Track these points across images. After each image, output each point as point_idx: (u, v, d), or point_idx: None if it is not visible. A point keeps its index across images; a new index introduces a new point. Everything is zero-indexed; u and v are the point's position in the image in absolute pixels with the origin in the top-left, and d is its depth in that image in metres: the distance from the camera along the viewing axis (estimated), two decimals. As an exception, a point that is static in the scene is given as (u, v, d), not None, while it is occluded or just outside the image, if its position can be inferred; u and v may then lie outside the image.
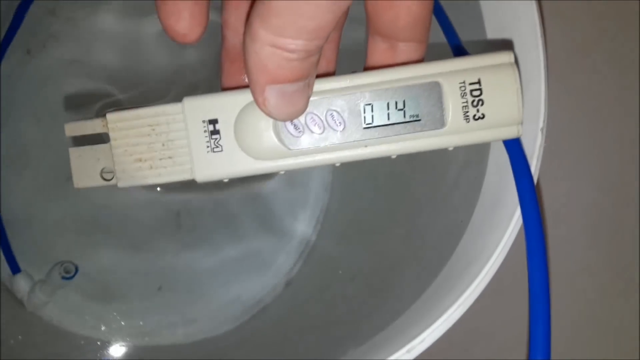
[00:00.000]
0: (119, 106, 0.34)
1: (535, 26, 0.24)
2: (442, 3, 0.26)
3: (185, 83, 0.35)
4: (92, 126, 0.19)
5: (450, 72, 0.18)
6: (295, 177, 0.38)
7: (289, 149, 0.18)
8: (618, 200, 0.34)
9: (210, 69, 0.34)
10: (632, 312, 0.34)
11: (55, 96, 0.34)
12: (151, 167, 0.18)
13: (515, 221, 0.23)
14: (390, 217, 0.34)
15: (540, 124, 0.23)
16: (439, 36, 0.24)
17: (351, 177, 0.37)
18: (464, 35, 0.25)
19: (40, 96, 0.34)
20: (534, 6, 0.24)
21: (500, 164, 0.25)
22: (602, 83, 0.34)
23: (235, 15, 0.19)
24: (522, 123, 0.18)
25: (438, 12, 0.26)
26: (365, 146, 0.18)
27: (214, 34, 0.19)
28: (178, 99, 0.18)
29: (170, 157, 0.18)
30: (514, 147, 0.22)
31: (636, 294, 0.34)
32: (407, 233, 0.32)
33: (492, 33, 0.26)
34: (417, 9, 0.18)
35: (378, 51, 0.19)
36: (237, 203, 0.37)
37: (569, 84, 0.33)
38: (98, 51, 0.35)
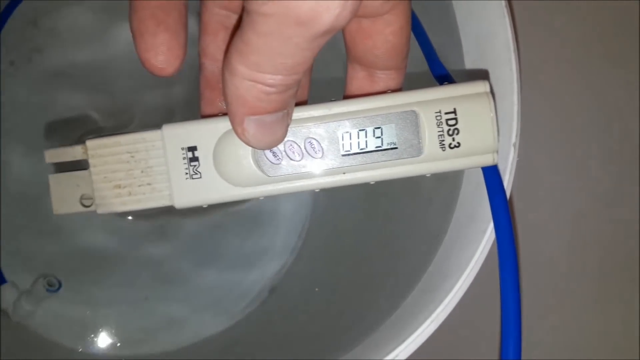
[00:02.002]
0: (99, 127, 0.35)
1: (509, 42, 0.24)
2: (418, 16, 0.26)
3: (164, 108, 0.35)
4: (72, 153, 0.19)
5: (426, 102, 0.18)
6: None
7: (268, 175, 0.18)
8: (591, 212, 0.34)
9: (188, 95, 0.35)
10: (603, 318, 0.34)
11: (39, 109, 0.34)
12: (130, 194, 0.19)
13: (488, 235, 0.23)
14: (368, 230, 0.34)
15: (513, 140, 0.24)
16: (417, 65, 0.24)
17: (335, 189, 0.38)
18: (441, 52, 0.26)
19: (25, 109, 0.34)
20: (507, 23, 0.24)
21: (474, 179, 0.26)
22: (576, 91, 0.34)
23: (213, 44, 0.19)
24: (497, 151, 0.18)
25: (418, 31, 0.27)
26: (344, 173, 0.19)
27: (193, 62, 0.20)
28: (157, 125, 0.19)
29: (149, 184, 0.19)
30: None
31: (609, 301, 0.34)
32: (384, 246, 0.32)
33: (467, 50, 0.27)
34: (393, 38, 0.18)
35: (357, 79, 0.19)
36: (222, 213, 0.37)
37: (542, 91, 0.34)
38: (81, 63, 0.35)
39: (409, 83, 0.20)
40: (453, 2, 0.27)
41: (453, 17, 0.27)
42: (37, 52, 0.35)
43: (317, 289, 0.35)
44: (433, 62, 0.26)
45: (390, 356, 0.22)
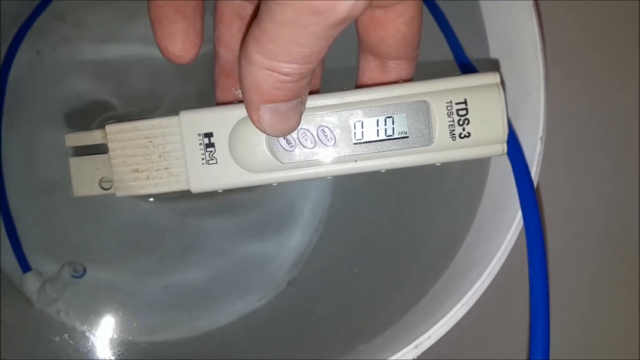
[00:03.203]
0: (119, 114, 0.35)
1: (535, 39, 0.25)
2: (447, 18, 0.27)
3: (180, 95, 0.36)
4: (91, 137, 0.20)
5: (437, 92, 0.18)
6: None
7: (281, 162, 0.19)
8: (618, 204, 0.34)
9: (203, 83, 0.35)
10: (634, 312, 0.34)
11: (63, 97, 0.35)
12: (148, 178, 0.19)
13: (516, 225, 0.24)
14: (393, 219, 0.35)
15: (540, 133, 0.24)
16: (429, 55, 0.24)
17: (354, 178, 0.38)
18: (468, 49, 0.26)
19: (49, 97, 0.35)
20: (534, 20, 0.25)
21: (500, 170, 0.26)
22: (600, 86, 0.34)
23: (228, 33, 0.19)
24: (506, 141, 0.19)
25: (444, 26, 0.27)
26: (355, 161, 0.19)
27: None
28: (174, 111, 0.19)
29: (166, 168, 0.19)
30: (516, 155, 0.23)
31: (637, 294, 0.34)
32: (411, 235, 0.32)
33: (494, 46, 0.27)
34: (405, 28, 0.18)
35: (369, 69, 0.20)
36: (241, 204, 0.38)
37: (567, 86, 0.34)
38: (107, 55, 0.35)
39: (420, 73, 0.20)
40: (480, 1, 0.27)
41: (480, 16, 0.27)
42: (63, 42, 0.35)
43: (355, 270, 0.35)
44: (455, 49, 0.26)
45: (422, 337, 0.23)
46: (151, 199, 0.36)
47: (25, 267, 0.33)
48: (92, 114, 0.35)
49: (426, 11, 0.26)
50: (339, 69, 0.22)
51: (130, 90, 0.36)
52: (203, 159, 0.19)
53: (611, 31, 0.34)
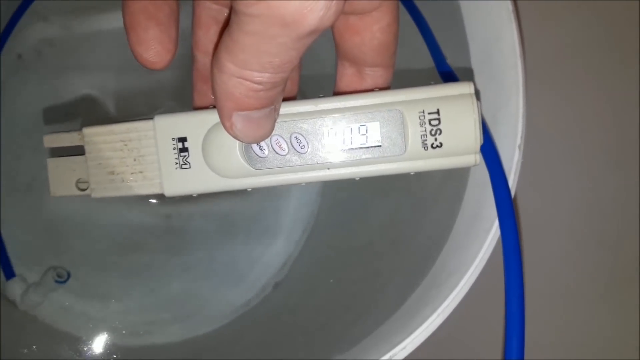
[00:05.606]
0: (103, 116, 0.35)
1: (515, 47, 0.24)
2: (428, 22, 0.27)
3: (162, 100, 0.36)
4: (69, 138, 0.20)
5: (411, 101, 0.18)
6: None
7: (254, 168, 0.19)
8: (596, 212, 0.34)
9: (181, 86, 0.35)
10: (610, 317, 0.34)
11: (46, 99, 0.35)
12: (123, 180, 0.19)
13: (493, 234, 0.23)
14: (374, 227, 0.35)
15: (518, 141, 0.24)
16: (408, 62, 0.24)
17: (340, 186, 0.38)
18: (449, 54, 0.26)
19: (32, 99, 0.35)
20: (513, 28, 0.24)
21: (480, 179, 0.26)
22: (579, 93, 0.34)
23: (205, 38, 0.19)
24: (479, 152, 0.18)
25: (425, 30, 0.27)
26: (328, 168, 0.19)
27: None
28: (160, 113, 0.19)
29: (141, 172, 0.19)
30: (493, 163, 0.23)
31: (612, 298, 0.34)
32: (391, 244, 0.32)
33: (474, 52, 0.27)
34: (381, 35, 0.18)
35: (346, 75, 0.20)
36: (227, 206, 0.38)
37: (549, 90, 0.34)
38: (92, 59, 0.35)
39: (397, 81, 0.20)
40: (461, 6, 0.27)
41: (461, 21, 0.27)
42: (47, 44, 0.35)
43: (331, 280, 0.35)
44: (436, 55, 0.26)
45: (397, 348, 0.23)
46: (145, 201, 0.36)
47: (9, 273, 0.33)
48: (75, 115, 0.36)
49: (408, 17, 0.26)
50: (320, 74, 0.22)
51: (115, 90, 0.36)
52: (177, 163, 0.19)
53: (591, 37, 0.34)
